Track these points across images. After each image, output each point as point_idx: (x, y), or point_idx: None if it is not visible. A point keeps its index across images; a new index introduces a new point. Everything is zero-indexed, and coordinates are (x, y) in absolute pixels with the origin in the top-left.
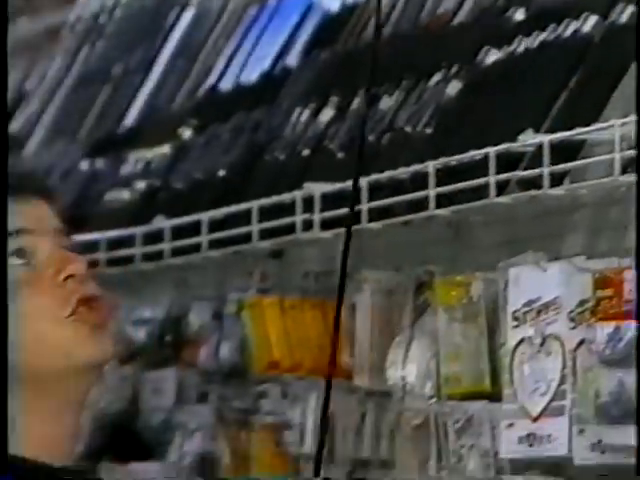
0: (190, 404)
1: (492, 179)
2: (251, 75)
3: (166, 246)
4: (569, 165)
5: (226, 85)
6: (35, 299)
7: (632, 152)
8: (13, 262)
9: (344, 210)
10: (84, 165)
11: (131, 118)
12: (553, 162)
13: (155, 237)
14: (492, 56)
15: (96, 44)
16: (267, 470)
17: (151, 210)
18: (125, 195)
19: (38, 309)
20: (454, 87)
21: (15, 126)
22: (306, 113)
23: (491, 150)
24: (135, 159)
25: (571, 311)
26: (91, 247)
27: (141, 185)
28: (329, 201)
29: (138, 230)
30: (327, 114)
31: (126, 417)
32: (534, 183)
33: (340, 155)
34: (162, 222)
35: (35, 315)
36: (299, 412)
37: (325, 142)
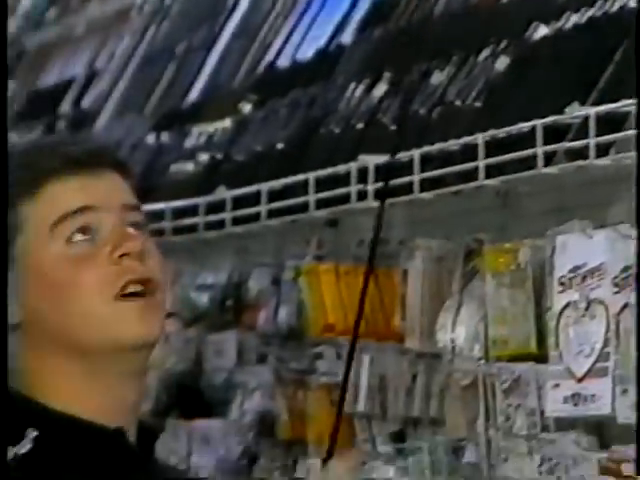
0: (250, 365)
1: (540, 150)
2: (307, 52)
3: (227, 215)
4: (614, 136)
5: (284, 62)
6: (88, 274)
7: None
8: (76, 238)
9: (397, 180)
10: (151, 139)
11: (194, 94)
12: (599, 133)
13: (217, 207)
14: (540, 32)
15: (162, 24)
16: (322, 427)
17: (213, 181)
18: (189, 167)
19: (90, 285)
20: (503, 62)
21: (87, 102)
22: (360, 88)
23: (538, 122)
24: (198, 133)
25: (615, 277)
26: (157, 216)
27: (204, 157)
28: (382, 172)
29: (201, 200)
30: (380, 89)
31: (190, 377)
32: (580, 154)
33: (392, 128)
34: (224, 192)
35: (86, 291)
36: (353, 372)
37: (378, 116)
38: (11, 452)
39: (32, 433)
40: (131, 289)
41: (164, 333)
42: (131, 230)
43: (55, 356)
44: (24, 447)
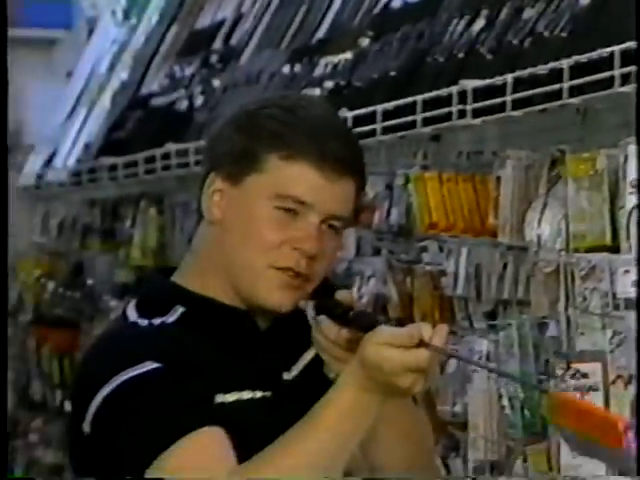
0: (366, 256)
1: (617, 72)
2: None
3: None
4: None
5: (396, 3)
6: (268, 238)
7: None
8: (282, 212)
9: (492, 101)
10: (286, 69)
11: (321, 31)
12: None
13: None
14: None
15: None
16: (427, 308)
17: (337, 104)
18: (317, 92)
19: (263, 246)
20: None
21: (234, 40)
22: (461, 24)
23: (616, 48)
24: (325, 64)
25: None
26: None
27: (329, 84)
28: (480, 94)
29: None
30: (479, 24)
31: None
32: None
33: (489, 57)
34: (345, 113)
35: (258, 247)
36: (452, 263)
37: (477, 46)
38: (159, 320)
39: (180, 309)
40: (287, 272)
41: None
42: (326, 229)
43: (216, 260)
44: (171, 317)
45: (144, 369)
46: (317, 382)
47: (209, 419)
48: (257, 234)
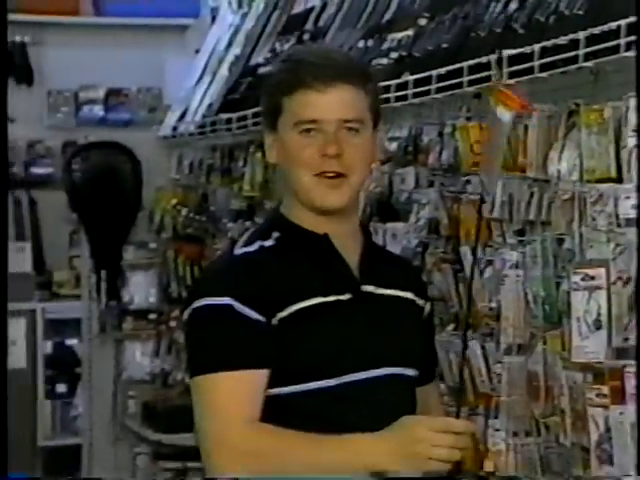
0: (423, 188)
1: (622, 41)
2: None
3: (409, 92)
4: None
5: None
6: (304, 158)
7: None
8: (304, 135)
9: (523, 65)
10: (360, 44)
11: (389, 14)
12: None
13: (402, 86)
14: None
15: None
16: (470, 227)
17: (400, 69)
18: (384, 61)
19: (303, 165)
20: None
21: (321, 22)
22: (499, 6)
23: (623, 22)
24: (391, 39)
25: None
26: None
27: (394, 55)
28: (513, 60)
29: (392, 82)
30: (513, 5)
31: (385, 195)
32: None
33: (521, 31)
34: (407, 77)
35: (300, 167)
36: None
37: (511, 23)
38: (258, 244)
39: (276, 234)
40: (326, 174)
41: (352, 200)
42: (344, 133)
43: (290, 191)
44: (269, 242)
45: (217, 302)
46: (391, 298)
47: (260, 354)
48: (295, 157)
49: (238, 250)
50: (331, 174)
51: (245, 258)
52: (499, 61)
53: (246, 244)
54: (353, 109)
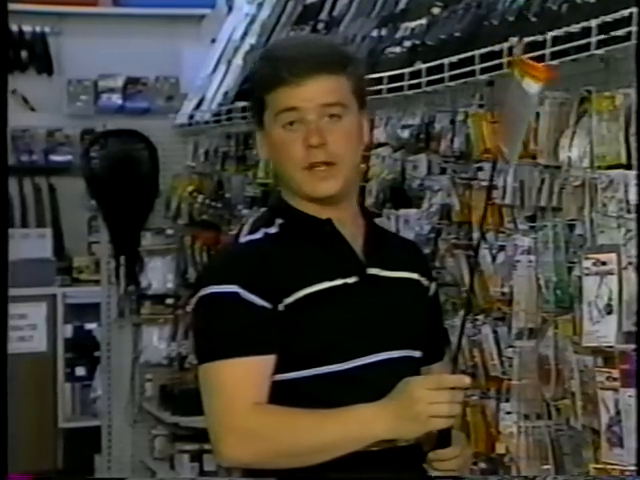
0: (435, 175)
1: (634, 28)
2: None
3: (423, 80)
4: None
5: None
6: (290, 151)
7: None
8: (287, 127)
9: (535, 53)
10: (375, 32)
11: (402, 3)
12: None
13: (415, 74)
14: None
15: None
16: (481, 214)
17: (413, 58)
18: (397, 50)
19: (290, 158)
20: None
21: (336, 11)
22: None
23: (634, 9)
24: (404, 28)
25: None
26: (376, 82)
27: (407, 43)
28: (525, 48)
29: (406, 70)
30: None
31: (397, 182)
32: None
33: (533, 19)
34: (420, 65)
35: (288, 161)
36: (502, 179)
37: (524, 12)
38: (262, 231)
39: (279, 220)
40: (315, 166)
41: (346, 186)
42: (326, 121)
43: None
44: (273, 229)
45: (223, 289)
46: (397, 280)
47: (267, 340)
48: (282, 152)
49: (243, 238)
50: (320, 165)
51: (250, 246)
52: (511, 49)
53: (250, 232)
54: (333, 94)
